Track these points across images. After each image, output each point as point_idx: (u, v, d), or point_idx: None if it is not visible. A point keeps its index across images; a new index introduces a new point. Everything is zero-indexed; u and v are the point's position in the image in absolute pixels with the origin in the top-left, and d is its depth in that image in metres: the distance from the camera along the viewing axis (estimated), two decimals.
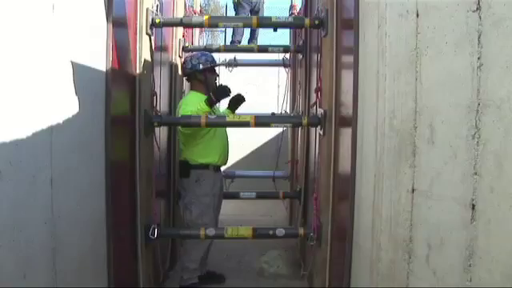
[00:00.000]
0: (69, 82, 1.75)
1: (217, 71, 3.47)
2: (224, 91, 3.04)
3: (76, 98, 1.80)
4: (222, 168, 3.48)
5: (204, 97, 3.16)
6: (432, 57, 1.33)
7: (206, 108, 2.97)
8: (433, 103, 1.33)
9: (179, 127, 3.20)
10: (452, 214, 1.21)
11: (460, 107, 1.18)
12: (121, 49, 2.28)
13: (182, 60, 3.67)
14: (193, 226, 3.13)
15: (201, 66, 3.30)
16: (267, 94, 6.47)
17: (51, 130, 1.59)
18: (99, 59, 2.04)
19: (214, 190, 3.26)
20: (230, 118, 2.97)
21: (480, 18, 1.11)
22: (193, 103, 3.09)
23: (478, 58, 1.11)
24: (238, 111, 3.43)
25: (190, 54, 3.68)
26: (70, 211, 1.75)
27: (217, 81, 3.47)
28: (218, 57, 5.09)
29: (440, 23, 1.29)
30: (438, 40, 1.29)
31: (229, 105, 3.36)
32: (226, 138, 3.42)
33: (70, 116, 1.75)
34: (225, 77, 4.68)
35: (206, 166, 3.21)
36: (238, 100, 3.34)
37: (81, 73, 1.83)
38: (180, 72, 3.88)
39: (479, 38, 1.11)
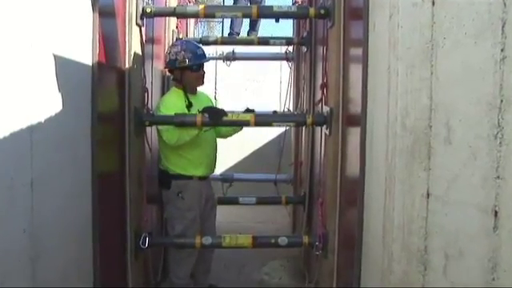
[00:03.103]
0: (51, 76, 1.74)
1: (203, 69, 3.10)
2: (217, 116, 2.72)
3: (59, 93, 1.79)
4: (217, 171, 3.41)
5: (182, 96, 3.00)
6: (449, 49, 1.31)
7: (192, 132, 2.79)
8: (450, 100, 1.32)
9: (161, 134, 2.99)
10: (472, 221, 1.20)
11: (480, 104, 1.17)
12: (108, 41, 2.26)
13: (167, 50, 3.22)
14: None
15: (177, 64, 2.97)
16: (268, 91, 6.46)
17: (31, 128, 1.58)
18: (84, 52, 2.03)
19: (199, 201, 3.11)
20: (228, 117, 2.93)
21: (505, 4, 1.09)
22: (171, 106, 2.92)
23: (502, 50, 1.10)
24: (236, 109, 3.40)
25: (171, 44, 3.32)
26: (52, 217, 1.73)
27: (203, 79, 3.12)
28: (215, 50, 5.09)
29: (458, 12, 1.27)
30: (456, 30, 1.28)
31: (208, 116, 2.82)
32: (214, 144, 3.23)
33: (53, 113, 1.74)
34: (222, 72, 4.68)
35: (189, 177, 3.05)
36: (218, 113, 2.83)
37: (64, 66, 1.82)
38: None
39: (503, 27, 1.09)
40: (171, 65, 3.02)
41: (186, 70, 3.00)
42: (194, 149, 3.03)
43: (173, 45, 3.16)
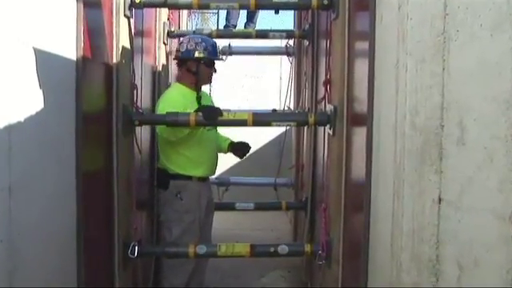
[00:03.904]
0: (31, 72, 1.73)
1: (215, 66, 3.23)
2: (214, 114, 2.72)
3: (40, 90, 1.77)
4: (214, 175, 3.44)
5: (189, 93, 3.07)
6: (463, 42, 1.31)
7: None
8: (463, 97, 1.32)
9: (157, 130, 3.09)
10: (488, 228, 1.19)
11: (497, 102, 1.16)
12: (94, 33, 2.26)
13: (180, 40, 3.39)
14: None
15: (196, 54, 3.09)
16: (267, 88, 6.47)
17: (9, 128, 1.56)
18: (68, 45, 2.02)
19: (199, 204, 3.16)
20: (224, 117, 2.93)
21: None
22: (173, 102, 2.97)
23: None
24: (233, 108, 3.41)
25: (188, 36, 3.40)
26: (32, 226, 1.72)
27: (212, 78, 3.27)
28: None
29: (473, 2, 1.27)
30: (470, 22, 1.27)
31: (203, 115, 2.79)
32: (215, 144, 3.32)
33: (33, 112, 1.73)
34: (218, 67, 4.67)
35: (188, 177, 3.12)
36: (213, 112, 2.81)
37: (46, 61, 1.80)
38: (164, 61, 3.86)
39: None
40: (186, 55, 3.09)
41: (201, 63, 3.10)
42: (196, 147, 3.08)
43: (188, 38, 3.22)
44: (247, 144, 3.39)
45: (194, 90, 3.16)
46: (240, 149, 3.38)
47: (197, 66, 3.13)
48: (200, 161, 3.15)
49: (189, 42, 3.14)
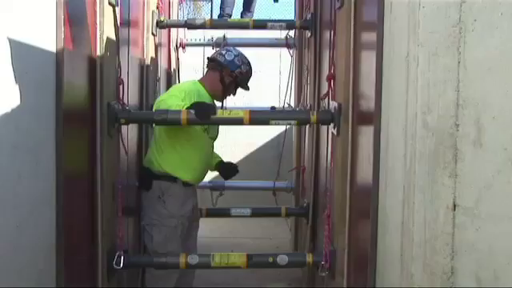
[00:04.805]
0: (5, 66, 1.71)
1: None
2: (207, 111, 2.73)
3: (16, 86, 1.76)
4: (206, 178, 3.47)
5: (206, 95, 3.22)
6: (481, 33, 1.30)
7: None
8: (481, 93, 1.31)
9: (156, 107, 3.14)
10: (509, 237, 1.19)
11: None
12: (76, 23, 2.25)
13: (225, 48, 3.68)
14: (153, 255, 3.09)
15: (238, 70, 3.32)
16: (266, 83, 6.47)
17: None
18: (47, 36, 2.00)
19: (182, 210, 3.21)
20: (218, 114, 2.93)
21: None
22: (183, 92, 3.09)
23: None
24: (228, 105, 3.44)
25: (236, 48, 3.66)
26: (7, 235, 1.71)
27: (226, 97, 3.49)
28: (203, 34, 5.08)
29: None
30: (489, 10, 1.27)
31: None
32: (211, 154, 3.44)
33: (8, 110, 1.71)
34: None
35: (173, 179, 3.17)
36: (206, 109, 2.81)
37: (22, 54, 1.79)
38: (153, 53, 3.85)
39: None
40: (231, 65, 3.31)
41: (233, 81, 3.35)
42: (193, 150, 3.20)
43: (238, 51, 3.46)
44: (236, 166, 3.65)
45: (210, 96, 3.33)
46: (227, 169, 3.61)
47: (230, 81, 3.34)
48: (192, 165, 3.22)
49: (238, 55, 3.38)
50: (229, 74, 3.33)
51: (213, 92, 3.33)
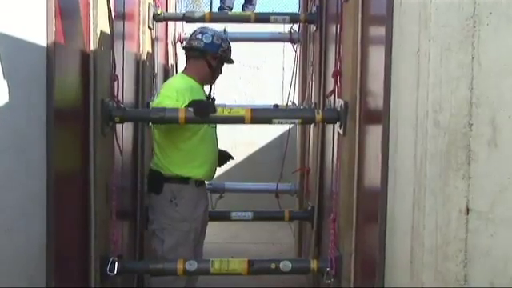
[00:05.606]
0: None
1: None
2: (207, 109, 2.74)
3: (4, 83, 1.76)
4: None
5: (197, 88, 3.21)
6: (496, 27, 1.30)
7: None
8: (496, 91, 1.31)
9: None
10: None
11: None
12: (68, 15, 2.24)
13: (198, 31, 3.46)
14: None
15: (221, 49, 3.30)
16: (268, 80, 6.48)
17: None
18: (37, 30, 2.00)
19: (195, 213, 3.22)
20: (218, 113, 2.94)
21: None
22: (175, 91, 3.06)
23: None
24: (229, 103, 3.44)
25: (209, 28, 3.55)
26: None
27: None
28: None
29: None
30: (505, 3, 1.27)
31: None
32: (216, 143, 3.42)
33: None
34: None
35: (185, 181, 3.18)
36: (205, 108, 2.83)
37: (11, 49, 1.79)
38: (150, 48, 3.86)
39: None
40: (211, 48, 3.27)
41: (220, 62, 3.36)
42: (198, 143, 3.20)
43: (213, 32, 3.39)
44: (229, 154, 3.71)
45: (202, 86, 3.34)
46: (220, 156, 3.56)
47: (217, 63, 3.34)
48: (203, 159, 3.23)
49: (214, 35, 3.33)
50: (213, 57, 3.32)
51: (203, 80, 3.36)
